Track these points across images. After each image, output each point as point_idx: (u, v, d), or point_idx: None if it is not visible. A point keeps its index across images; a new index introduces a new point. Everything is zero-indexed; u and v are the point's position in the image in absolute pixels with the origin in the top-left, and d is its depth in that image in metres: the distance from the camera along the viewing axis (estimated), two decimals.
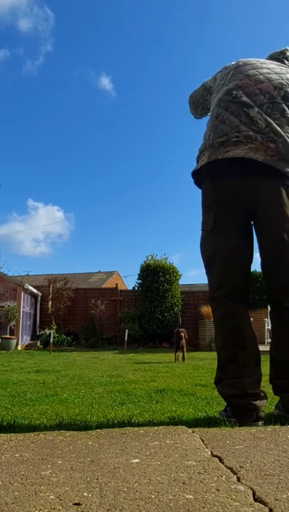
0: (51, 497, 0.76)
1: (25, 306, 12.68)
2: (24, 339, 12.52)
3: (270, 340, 4.14)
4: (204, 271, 1.88)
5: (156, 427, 1.37)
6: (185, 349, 7.05)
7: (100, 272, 24.77)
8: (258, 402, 1.60)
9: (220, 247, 1.77)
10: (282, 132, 1.71)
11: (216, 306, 1.79)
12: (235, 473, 0.89)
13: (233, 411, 1.63)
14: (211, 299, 1.82)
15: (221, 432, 1.31)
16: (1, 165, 34.54)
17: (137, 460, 1.00)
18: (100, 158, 43.71)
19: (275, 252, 1.75)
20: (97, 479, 0.86)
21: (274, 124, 1.72)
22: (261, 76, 1.84)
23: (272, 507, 0.71)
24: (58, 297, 13.58)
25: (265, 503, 0.72)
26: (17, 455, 1.07)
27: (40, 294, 13.93)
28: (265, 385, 1.77)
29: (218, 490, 0.79)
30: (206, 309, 12.14)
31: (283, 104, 1.77)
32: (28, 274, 22.26)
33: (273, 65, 1.94)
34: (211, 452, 1.06)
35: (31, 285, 13.53)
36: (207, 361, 6.41)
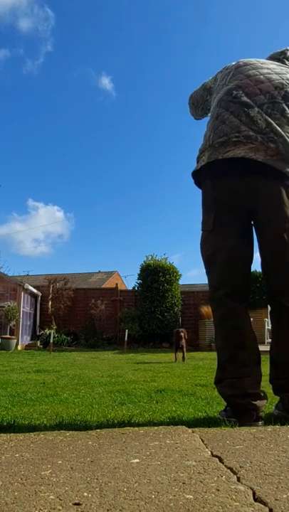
0: (51, 497, 0.76)
1: (25, 306, 12.68)
2: (24, 339, 12.52)
3: (270, 340, 4.14)
4: (204, 271, 1.88)
5: (156, 427, 1.37)
6: (185, 349, 7.04)
7: (100, 272, 24.77)
8: (258, 402, 1.60)
9: (220, 247, 1.77)
10: (282, 132, 1.71)
11: (216, 306, 1.79)
12: (235, 473, 0.89)
13: (233, 411, 1.63)
14: (211, 299, 1.82)
15: (221, 431, 1.31)
16: (1, 165, 34.57)
17: (137, 460, 1.00)
18: (100, 158, 43.75)
19: (275, 252, 1.75)
20: (97, 479, 0.86)
21: (274, 124, 1.72)
22: (262, 76, 1.84)
23: (272, 507, 0.71)
24: (58, 297, 13.58)
25: (265, 503, 0.72)
26: (17, 455, 1.07)
27: (40, 294, 13.93)
28: (265, 385, 1.77)
29: (218, 490, 0.79)
30: (206, 309, 12.14)
31: (283, 104, 1.77)
32: (28, 274, 22.27)
33: (274, 66, 1.94)
34: (211, 452, 1.06)
35: (31, 285, 13.53)
36: (207, 361, 6.41)
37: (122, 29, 37.96)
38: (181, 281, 13.59)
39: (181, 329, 7.36)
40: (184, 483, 0.83)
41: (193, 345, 11.99)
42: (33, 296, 13.73)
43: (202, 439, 1.19)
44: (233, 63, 2.01)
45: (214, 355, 1.87)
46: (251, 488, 0.79)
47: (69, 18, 37.72)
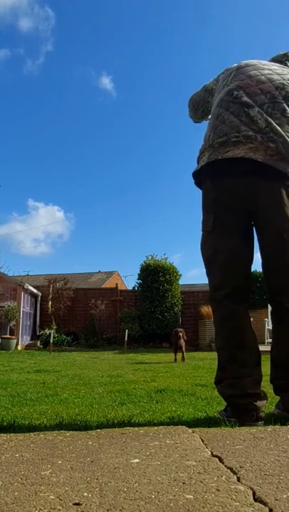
0: (51, 497, 0.76)
1: (25, 306, 12.68)
2: (24, 339, 12.52)
3: (270, 340, 4.13)
4: (204, 271, 1.88)
5: (156, 427, 1.37)
6: (184, 349, 7.00)
7: (100, 272, 24.77)
8: (258, 403, 1.60)
9: (220, 247, 1.77)
10: (282, 132, 1.71)
11: (217, 307, 1.79)
12: (235, 473, 0.89)
13: (233, 411, 1.63)
14: (211, 299, 1.82)
15: (221, 431, 1.31)
16: (1, 165, 34.56)
17: (137, 460, 1.00)
18: (100, 158, 43.75)
19: (275, 252, 1.75)
20: (97, 479, 0.86)
21: (274, 124, 1.72)
22: (263, 77, 1.84)
23: (272, 507, 0.71)
24: (58, 297, 13.58)
25: (265, 503, 0.72)
26: (17, 455, 1.07)
27: (40, 294, 13.93)
28: (266, 385, 1.77)
29: (218, 490, 0.79)
30: (206, 309, 12.14)
31: (284, 104, 1.77)
32: (28, 274, 22.28)
33: (275, 67, 1.94)
34: (211, 452, 1.06)
35: (31, 285, 13.53)
36: (207, 361, 6.41)
37: (122, 29, 37.98)
38: (181, 281, 13.60)
39: (179, 329, 7.31)
40: (184, 483, 0.83)
41: (193, 345, 11.98)
42: (33, 296, 13.73)
43: (202, 439, 1.19)
44: (235, 65, 2.01)
45: (214, 355, 1.87)
46: (251, 488, 0.79)
47: (69, 18, 37.75)
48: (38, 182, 44.72)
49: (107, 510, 0.71)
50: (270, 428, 1.35)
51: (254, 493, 0.77)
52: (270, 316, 8.44)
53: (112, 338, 12.94)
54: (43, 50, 38.10)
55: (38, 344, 12.26)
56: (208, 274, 1.85)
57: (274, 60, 2.09)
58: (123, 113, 42.58)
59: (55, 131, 40.83)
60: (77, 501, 0.74)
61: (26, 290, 12.76)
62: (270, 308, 1.88)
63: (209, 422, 1.60)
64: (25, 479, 0.87)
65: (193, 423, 1.65)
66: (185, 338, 7.10)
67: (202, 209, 1.90)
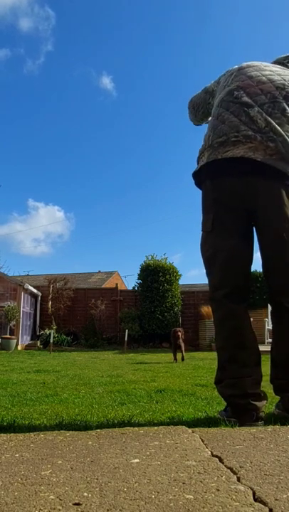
0: (51, 497, 0.76)
1: (25, 306, 12.68)
2: (24, 339, 12.52)
3: (270, 340, 4.13)
4: (204, 271, 1.88)
5: (156, 427, 1.37)
6: (183, 348, 6.96)
7: (100, 272, 24.77)
8: (258, 403, 1.60)
9: (220, 247, 1.77)
10: (281, 131, 1.71)
11: (216, 307, 1.79)
12: (235, 473, 0.89)
13: (233, 411, 1.63)
14: (211, 299, 1.82)
15: (221, 431, 1.31)
16: (1, 165, 34.55)
17: (137, 460, 1.00)
18: (100, 158, 43.74)
19: (275, 253, 1.75)
20: (97, 479, 0.86)
21: (274, 123, 1.72)
22: (263, 77, 1.85)
23: (272, 507, 0.71)
24: (58, 297, 13.58)
25: (265, 503, 0.72)
26: (17, 455, 1.07)
27: (40, 294, 13.93)
28: (266, 385, 1.77)
29: (218, 490, 0.79)
30: (206, 309, 12.14)
31: (284, 104, 1.77)
32: (28, 274, 22.28)
33: (276, 68, 1.95)
34: (211, 452, 1.06)
35: (31, 285, 13.52)
36: (207, 361, 6.41)
37: (122, 29, 37.96)
38: (181, 281, 13.61)
39: (178, 328, 7.26)
40: (184, 483, 0.83)
41: (194, 345, 11.99)
42: (33, 296, 13.73)
43: (202, 439, 1.19)
44: (236, 66, 2.01)
45: (214, 355, 1.87)
46: (251, 488, 0.79)
47: (69, 18, 37.72)
48: (38, 182, 44.76)
49: (107, 510, 0.71)
50: (270, 428, 1.35)
51: (254, 493, 0.77)
52: (270, 316, 8.44)
53: (112, 338, 12.94)
54: (43, 50, 38.12)
55: (38, 344, 12.26)
56: (208, 274, 1.85)
57: (276, 62, 2.09)
58: (123, 113, 42.60)
59: (55, 131, 40.86)
60: (77, 501, 0.74)
61: (26, 290, 12.76)
62: (270, 308, 1.88)
63: (209, 422, 1.60)
64: (25, 479, 0.87)
65: (193, 423, 1.65)
66: (183, 337, 7.03)
67: (202, 209, 1.90)
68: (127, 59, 40.97)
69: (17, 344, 11.12)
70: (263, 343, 9.11)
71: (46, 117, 40.84)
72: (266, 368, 1.77)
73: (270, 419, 1.58)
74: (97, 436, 1.26)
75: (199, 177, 1.92)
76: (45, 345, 11.71)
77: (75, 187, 44.80)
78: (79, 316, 13.80)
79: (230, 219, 1.78)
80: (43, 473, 0.91)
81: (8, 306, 11.77)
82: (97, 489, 0.80)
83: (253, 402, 1.59)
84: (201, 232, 1.90)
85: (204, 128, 2.01)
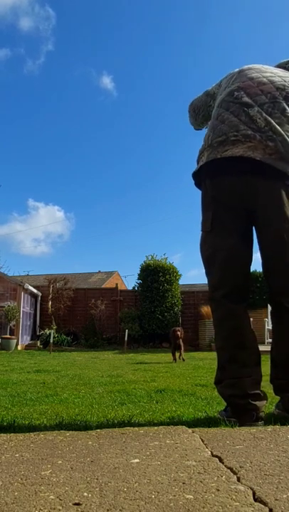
0: (51, 497, 0.76)
1: (25, 306, 12.68)
2: (24, 339, 12.52)
3: (270, 340, 4.13)
4: (204, 271, 1.88)
5: (156, 427, 1.37)
6: (182, 348, 6.91)
7: (100, 272, 24.77)
8: (257, 403, 1.60)
9: (219, 246, 1.77)
10: (281, 131, 1.71)
11: (216, 307, 1.79)
12: (235, 473, 0.89)
13: (233, 411, 1.63)
14: (210, 299, 1.82)
15: (221, 431, 1.31)
16: (1, 165, 34.54)
17: (137, 460, 1.00)
18: (100, 158, 43.73)
19: (275, 253, 1.75)
20: (97, 479, 0.86)
21: (273, 123, 1.72)
22: (264, 79, 1.85)
23: (272, 507, 0.71)
24: (58, 297, 13.58)
25: (265, 503, 0.72)
26: (17, 455, 1.07)
27: (40, 294, 13.93)
28: (266, 385, 1.77)
29: (218, 490, 0.79)
30: (206, 309, 12.14)
31: (284, 104, 1.77)
32: (28, 274, 22.28)
33: (277, 70, 1.96)
34: (211, 452, 1.06)
35: (31, 285, 13.53)
36: (207, 361, 6.41)
37: (122, 29, 37.95)
38: (181, 281, 13.61)
39: (177, 328, 7.22)
40: (184, 483, 0.83)
41: (193, 345, 11.99)
42: (33, 296, 13.73)
43: (202, 439, 1.19)
44: (237, 69, 2.02)
45: (214, 355, 1.87)
46: (251, 488, 0.79)
47: (70, 18, 37.69)
48: (38, 182, 44.75)
49: (107, 510, 0.71)
50: (270, 428, 1.35)
51: (254, 493, 0.77)
52: (270, 316, 8.44)
53: (112, 338, 12.94)
54: (43, 50, 38.10)
55: (38, 344, 12.26)
56: (208, 273, 1.85)
57: (279, 66, 2.10)
58: (123, 113, 42.58)
59: (55, 131, 40.83)
60: (77, 501, 0.74)
61: (26, 290, 12.76)
62: (270, 308, 1.88)
63: (209, 422, 1.60)
64: (25, 479, 0.87)
65: (193, 423, 1.65)
66: (182, 337, 6.97)
67: (201, 208, 1.90)
68: (127, 59, 40.99)
69: (17, 344, 11.12)
70: (263, 343, 9.11)
71: (46, 117, 40.86)
72: (266, 367, 1.77)
73: (270, 419, 1.58)
74: (97, 436, 1.26)
75: (199, 177, 1.92)
76: (45, 345, 11.71)
77: (75, 187, 44.82)
78: (79, 316, 13.80)
79: (230, 218, 1.78)
80: (43, 473, 0.91)
81: (8, 306, 11.77)
82: (97, 489, 0.80)
83: (253, 402, 1.59)
84: (200, 232, 1.90)
85: (204, 129, 2.01)
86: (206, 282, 1.88)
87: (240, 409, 1.60)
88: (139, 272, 13.58)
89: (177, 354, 6.92)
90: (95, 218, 46.03)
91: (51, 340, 10.44)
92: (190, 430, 1.31)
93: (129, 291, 15.12)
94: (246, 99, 1.80)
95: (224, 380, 1.69)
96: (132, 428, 1.38)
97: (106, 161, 45.12)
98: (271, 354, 1.80)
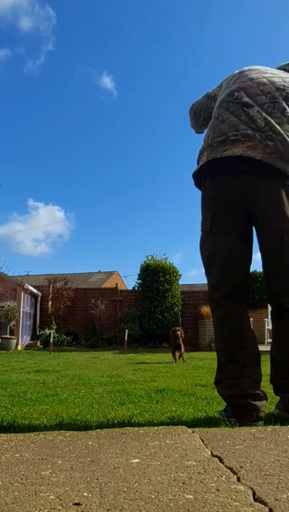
0: (51, 497, 0.77)
1: (25, 306, 12.68)
2: (24, 339, 12.52)
3: (270, 340, 4.13)
4: (204, 271, 1.88)
5: (156, 427, 1.37)
6: (183, 348, 6.88)
7: (100, 272, 24.77)
8: (257, 403, 1.60)
9: (219, 246, 1.77)
10: (281, 130, 1.72)
11: (215, 307, 1.79)
12: (235, 473, 0.89)
13: (233, 411, 1.63)
14: (210, 299, 1.83)
15: (221, 431, 1.31)
16: (1, 165, 34.54)
17: (137, 460, 1.00)
18: (100, 158, 43.73)
19: (275, 253, 1.75)
20: (97, 479, 0.86)
21: (273, 123, 1.72)
22: (264, 79, 1.86)
23: (272, 507, 0.71)
24: (58, 297, 13.58)
25: (265, 503, 0.72)
26: (17, 455, 1.07)
27: (40, 294, 13.93)
28: (266, 385, 1.77)
29: (218, 490, 0.79)
30: (206, 309, 12.14)
31: (284, 104, 1.78)
32: (28, 274, 22.28)
33: (277, 71, 1.97)
34: (211, 452, 1.06)
35: (31, 285, 13.53)
36: (207, 361, 6.41)
37: (122, 29, 37.94)
38: (181, 281, 13.61)
39: (177, 328, 7.18)
40: (184, 483, 0.83)
41: (193, 345, 11.98)
42: (33, 296, 13.73)
43: (202, 439, 1.19)
44: (237, 70, 2.02)
45: (214, 355, 1.87)
46: (251, 488, 0.79)
47: (70, 18, 37.67)
48: (38, 182, 44.75)
49: (107, 510, 0.71)
50: (270, 428, 1.35)
51: (254, 493, 0.77)
52: (270, 316, 8.44)
53: (112, 338, 12.94)
54: (43, 50, 38.09)
55: (38, 344, 12.26)
56: (207, 274, 1.85)
57: (279, 69, 2.10)
58: (123, 113, 42.58)
59: (55, 131, 40.83)
60: (77, 501, 0.74)
61: (26, 290, 12.76)
62: (270, 308, 1.88)
63: (209, 422, 1.60)
64: (25, 479, 0.87)
65: (193, 423, 1.65)
66: (182, 336, 6.95)
67: (201, 208, 1.90)
68: (128, 59, 40.98)
69: (17, 344, 11.12)
70: (263, 343, 9.12)
71: (46, 117, 40.85)
72: (266, 367, 1.77)
73: (270, 419, 1.58)
74: (97, 436, 1.26)
75: (199, 177, 1.92)
76: (45, 345, 11.71)
77: (75, 187, 44.82)
78: (79, 316, 13.80)
79: (229, 218, 1.79)
80: (43, 473, 0.91)
81: (8, 306, 11.77)
82: (97, 489, 0.80)
83: (253, 402, 1.59)
84: (200, 232, 1.90)
85: (205, 131, 2.01)
86: (206, 282, 1.88)
87: (240, 409, 1.60)
88: (139, 272, 13.60)
89: (177, 354, 6.89)
90: (95, 218, 46.09)
91: (51, 340, 10.44)
92: (190, 430, 1.31)
93: (129, 291, 15.12)
94: (246, 99, 1.80)
95: (224, 380, 1.69)
96: (132, 428, 1.38)
97: (106, 161, 45.16)
98: (271, 354, 1.80)
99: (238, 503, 0.72)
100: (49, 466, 0.96)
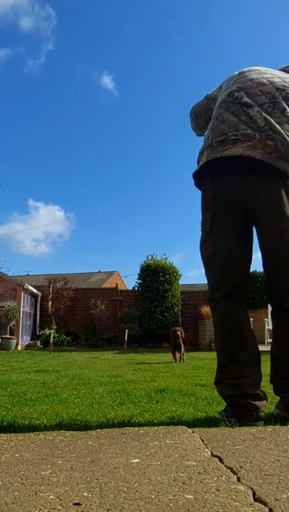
0: (51, 497, 0.77)
1: (25, 306, 12.68)
2: (24, 339, 12.52)
3: (270, 340, 4.14)
4: (204, 271, 1.88)
5: (156, 427, 1.37)
6: (183, 348, 6.86)
7: (100, 272, 24.78)
8: (257, 403, 1.60)
9: (219, 246, 1.78)
10: (281, 130, 1.72)
11: (215, 307, 1.79)
12: (235, 473, 0.89)
13: (233, 411, 1.63)
14: (210, 299, 1.83)
15: (221, 431, 1.31)
16: (1, 165, 34.53)
17: (137, 460, 1.00)
18: (100, 158, 43.72)
19: (275, 253, 1.75)
20: (97, 479, 0.86)
21: (273, 122, 1.72)
22: (264, 79, 1.86)
23: (272, 507, 0.71)
24: (58, 297, 13.58)
25: (265, 503, 0.72)
26: (17, 455, 1.07)
27: (40, 294, 13.93)
28: (266, 385, 1.77)
29: (218, 490, 0.79)
30: (206, 309, 12.13)
31: (284, 104, 1.78)
32: (28, 274, 22.29)
33: (277, 72, 1.97)
34: (211, 452, 1.06)
35: (31, 285, 13.52)
36: (207, 361, 6.41)
37: (122, 29, 37.91)
38: (181, 281, 13.60)
39: (177, 328, 7.16)
40: (184, 483, 0.83)
41: (193, 345, 11.98)
42: (33, 296, 13.73)
43: (202, 439, 1.19)
44: (237, 71, 2.03)
45: (214, 355, 1.87)
46: (251, 488, 0.79)
47: (70, 17, 37.61)
48: (38, 182, 44.74)
49: (107, 510, 0.71)
50: (270, 428, 1.35)
51: (254, 493, 0.77)
52: (270, 316, 8.44)
53: (112, 338, 12.94)
54: (44, 50, 38.06)
55: (38, 344, 12.26)
56: (207, 274, 1.85)
57: (280, 70, 2.10)
58: (123, 113, 42.56)
59: (55, 131, 40.81)
60: (77, 501, 0.74)
61: (26, 290, 12.76)
62: (270, 308, 1.88)
63: (209, 422, 1.60)
64: (25, 479, 0.87)
65: (193, 423, 1.65)
66: (183, 336, 6.92)
67: (201, 208, 1.90)
68: (128, 59, 40.96)
69: (17, 344, 11.12)
70: (263, 343, 9.11)
71: (46, 117, 40.82)
72: (266, 367, 1.77)
73: (270, 419, 1.58)
74: (97, 436, 1.26)
75: (199, 177, 1.92)
76: (45, 345, 11.71)
77: (75, 187, 44.81)
78: (79, 316, 13.80)
79: (229, 218, 1.79)
80: (43, 473, 0.91)
81: (8, 306, 11.77)
82: (97, 489, 0.80)
83: (253, 402, 1.59)
84: (200, 232, 1.90)
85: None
86: (206, 282, 1.88)
87: (240, 409, 1.60)
88: (139, 272, 13.59)
89: (177, 354, 6.88)
90: (95, 218, 46.09)
91: (51, 340, 10.44)
92: (190, 430, 1.31)
93: (129, 291, 15.12)
94: (246, 99, 1.80)
95: (224, 380, 1.69)
96: (132, 428, 1.38)
97: (106, 161, 45.15)
98: (271, 354, 1.80)
99: (238, 503, 0.72)
100: (49, 466, 0.96)
